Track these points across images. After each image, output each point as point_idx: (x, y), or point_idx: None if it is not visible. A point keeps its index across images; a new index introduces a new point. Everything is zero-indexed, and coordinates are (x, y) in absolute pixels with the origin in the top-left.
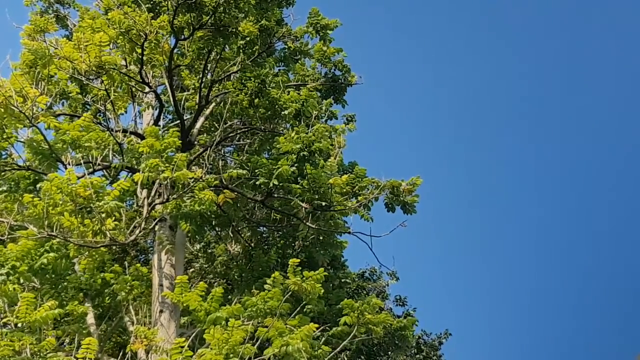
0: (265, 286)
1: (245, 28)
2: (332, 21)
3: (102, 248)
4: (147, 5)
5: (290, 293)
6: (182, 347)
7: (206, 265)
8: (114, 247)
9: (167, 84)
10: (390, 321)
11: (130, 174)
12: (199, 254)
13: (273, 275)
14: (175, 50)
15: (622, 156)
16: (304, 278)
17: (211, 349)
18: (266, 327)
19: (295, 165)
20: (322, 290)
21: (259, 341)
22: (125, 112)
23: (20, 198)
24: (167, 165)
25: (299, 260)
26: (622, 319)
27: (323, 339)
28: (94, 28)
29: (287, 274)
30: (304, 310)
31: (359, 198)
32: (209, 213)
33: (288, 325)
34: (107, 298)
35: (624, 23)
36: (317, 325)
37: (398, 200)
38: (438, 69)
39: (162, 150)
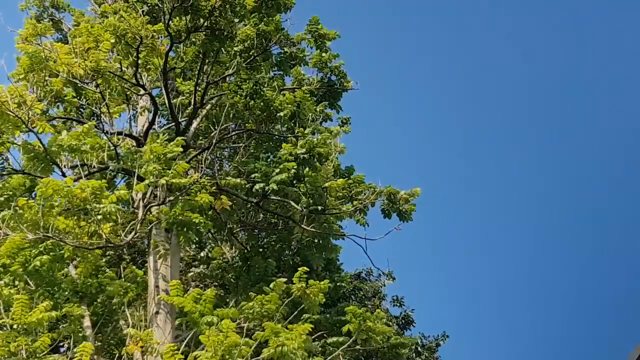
0: (265, 289)
1: (243, 32)
2: (332, 32)
3: (97, 251)
4: (142, 9)
5: (290, 298)
6: (175, 350)
7: (204, 270)
8: (109, 251)
9: (162, 86)
10: (391, 332)
11: (126, 176)
12: (200, 258)
13: (275, 281)
14: (171, 54)
15: (620, 155)
16: (308, 285)
17: (206, 350)
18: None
19: (295, 169)
20: (324, 300)
21: (257, 343)
22: (119, 116)
23: (15, 206)
24: (165, 168)
25: (306, 268)
26: (621, 324)
27: (319, 344)
28: (90, 32)
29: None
30: (302, 316)
31: (355, 203)
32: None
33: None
34: (101, 302)
35: (624, 23)
36: (312, 326)
37: (394, 208)
38: (436, 68)
39: (162, 155)
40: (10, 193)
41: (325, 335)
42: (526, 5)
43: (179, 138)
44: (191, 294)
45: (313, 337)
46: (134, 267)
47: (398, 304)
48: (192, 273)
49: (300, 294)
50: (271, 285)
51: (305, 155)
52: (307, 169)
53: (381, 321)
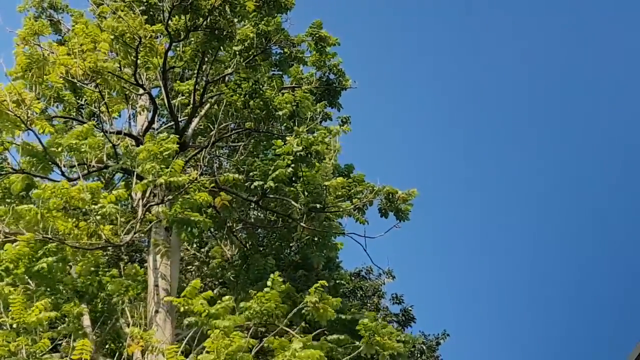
0: (265, 289)
1: (243, 32)
2: (333, 38)
3: (97, 250)
4: (141, 8)
5: (298, 307)
6: (177, 351)
7: (204, 268)
8: (108, 250)
9: (161, 85)
10: (400, 349)
11: (125, 175)
12: (198, 255)
13: (271, 277)
14: (170, 53)
15: (620, 155)
16: (322, 299)
17: (209, 353)
18: (264, 327)
19: (291, 166)
20: (335, 316)
21: (260, 345)
22: (119, 115)
23: (13, 204)
24: (163, 167)
25: (325, 282)
26: (621, 324)
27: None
28: (88, 33)
29: (283, 277)
30: (301, 313)
31: (354, 201)
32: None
33: (297, 338)
34: (101, 301)
35: (624, 23)
36: (323, 352)
37: (392, 207)
38: (437, 68)
39: (159, 154)
40: (5, 191)
41: (326, 332)
42: (526, 5)
43: (173, 135)
44: (201, 297)
45: (312, 335)
46: (136, 264)
47: (397, 302)
48: (188, 270)
49: (311, 308)
50: (268, 282)
51: (302, 153)
52: (304, 166)
53: (392, 337)
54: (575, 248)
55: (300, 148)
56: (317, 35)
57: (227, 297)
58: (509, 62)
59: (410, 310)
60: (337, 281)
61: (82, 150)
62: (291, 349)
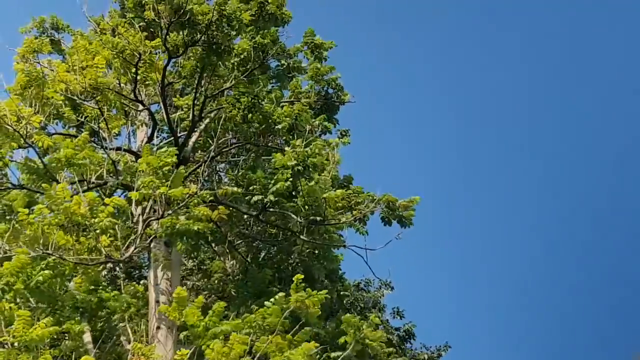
0: (266, 303)
1: (240, 45)
2: (328, 42)
3: (96, 266)
4: (140, 24)
5: (289, 311)
6: None
7: (199, 283)
8: (107, 266)
9: (160, 101)
10: (385, 337)
11: (125, 192)
12: (194, 270)
13: (276, 297)
14: (169, 69)
15: (622, 155)
16: (307, 295)
17: None
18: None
19: (290, 180)
20: (320, 312)
21: (258, 354)
22: (119, 133)
23: (14, 221)
24: (163, 181)
25: (302, 276)
26: (622, 329)
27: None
28: (88, 50)
29: (283, 290)
30: (303, 329)
31: (354, 212)
32: (204, 231)
33: (287, 340)
34: (101, 318)
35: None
36: (316, 344)
37: (394, 215)
38: (436, 71)
39: (158, 167)
40: (6, 208)
41: (327, 349)
42: (526, 6)
43: (171, 148)
44: (193, 307)
45: (316, 349)
46: (133, 282)
47: (398, 316)
48: (186, 285)
49: (298, 305)
50: (272, 300)
51: (299, 167)
52: (302, 179)
53: (376, 329)
54: (577, 254)
55: (295, 162)
56: (312, 43)
57: (220, 303)
58: (508, 64)
59: (412, 328)
60: (342, 292)
61: (80, 163)
62: (287, 351)
